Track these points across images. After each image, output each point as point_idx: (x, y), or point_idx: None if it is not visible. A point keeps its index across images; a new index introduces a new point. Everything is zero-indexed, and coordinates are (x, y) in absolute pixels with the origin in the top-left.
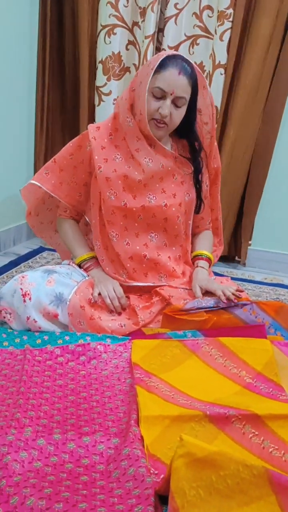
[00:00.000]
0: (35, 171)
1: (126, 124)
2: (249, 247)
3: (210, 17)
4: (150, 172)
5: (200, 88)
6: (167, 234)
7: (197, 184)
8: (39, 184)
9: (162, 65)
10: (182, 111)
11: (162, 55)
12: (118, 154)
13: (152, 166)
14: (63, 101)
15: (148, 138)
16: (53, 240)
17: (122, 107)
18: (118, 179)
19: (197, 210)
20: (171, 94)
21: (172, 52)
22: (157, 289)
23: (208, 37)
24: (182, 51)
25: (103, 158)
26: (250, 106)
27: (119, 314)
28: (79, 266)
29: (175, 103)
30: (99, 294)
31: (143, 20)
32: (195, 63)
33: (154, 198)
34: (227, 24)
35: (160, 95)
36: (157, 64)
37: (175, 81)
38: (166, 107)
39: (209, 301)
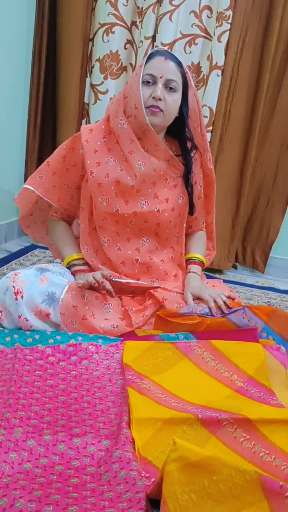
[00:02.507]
0: (27, 169)
1: (120, 127)
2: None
3: (210, 17)
4: (142, 176)
5: (191, 95)
6: (159, 238)
7: (188, 187)
8: (32, 189)
9: (149, 58)
10: (176, 97)
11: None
12: (111, 158)
13: (144, 170)
14: (56, 99)
15: (142, 140)
16: (46, 241)
17: (115, 111)
18: (111, 185)
19: (190, 212)
20: (160, 78)
21: (159, 47)
22: (151, 291)
23: (206, 38)
24: (177, 49)
25: (96, 162)
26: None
27: (111, 295)
28: (68, 267)
29: (167, 86)
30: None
31: (141, 20)
32: (192, 63)
33: (147, 203)
34: (226, 26)
35: (151, 81)
36: (146, 58)
37: (162, 65)
38: (158, 89)
39: (204, 309)
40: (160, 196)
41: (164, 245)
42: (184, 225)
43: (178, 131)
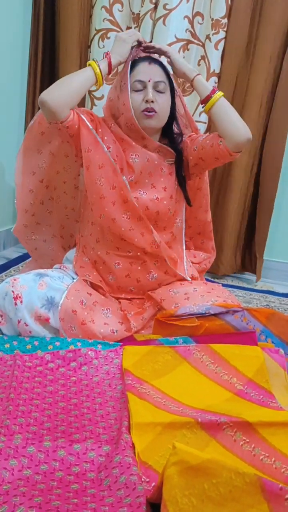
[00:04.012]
0: None
1: (112, 126)
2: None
3: (201, 24)
4: (139, 168)
5: (178, 94)
6: (157, 227)
7: (180, 175)
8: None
9: (133, 65)
10: (167, 97)
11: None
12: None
13: (138, 162)
14: None
15: (135, 136)
16: (41, 250)
17: (106, 115)
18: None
19: (188, 201)
20: (149, 81)
21: (140, 54)
22: (149, 292)
23: (197, 44)
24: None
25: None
26: (254, 116)
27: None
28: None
29: (156, 88)
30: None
31: (137, 26)
32: None
33: (145, 193)
34: (222, 34)
35: (141, 86)
36: (129, 66)
37: (148, 69)
38: (149, 92)
39: (200, 308)
40: (158, 186)
41: (161, 232)
42: (183, 210)
43: (167, 130)
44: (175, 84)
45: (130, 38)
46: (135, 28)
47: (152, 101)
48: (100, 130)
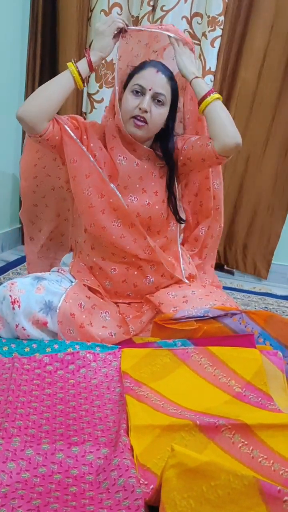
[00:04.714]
0: None
1: (105, 121)
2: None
3: (200, 24)
4: (125, 172)
5: (182, 92)
6: (150, 232)
7: (171, 184)
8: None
9: (141, 67)
10: (163, 111)
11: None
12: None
13: (125, 165)
14: None
15: (124, 139)
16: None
17: (109, 107)
18: (107, 174)
19: (174, 211)
20: (149, 90)
21: (153, 58)
22: (147, 296)
23: (196, 44)
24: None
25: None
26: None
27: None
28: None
29: (155, 98)
30: None
31: None
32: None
33: (136, 199)
34: (219, 31)
35: (140, 91)
36: (139, 65)
37: (153, 77)
38: (146, 101)
39: (199, 310)
40: (149, 190)
41: (155, 237)
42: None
43: (163, 139)
44: (181, 97)
45: (109, 28)
46: None
47: (146, 111)
48: (85, 137)
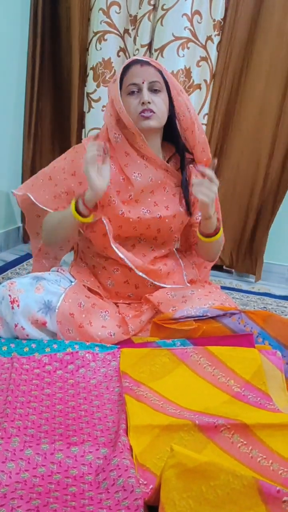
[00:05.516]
0: (23, 178)
1: (114, 140)
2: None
3: (200, 23)
4: (140, 187)
5: (175, 94)
6: (156, 242)
7: (186, 197)
8: (30, 195)
9: (126, 68)
10: (163, 96)
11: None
12: (112, 165)
13: (141, 180)
14: (52, 107)
15: (139, 151)
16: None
17: (109, 123)
18: (114, 191)
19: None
20: (143, 83)
21: (131, 58)
22: (147, 295)
23: (196, 43)
24: (170, 53)
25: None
26: (258, 118)
27: (106, 151)
28: (78, 210)
29: (152, 88)
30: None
31: (134, 28)
32: (185, 66)
33: (148, 211)
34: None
35: (136, 89)
36: (121, 70)
37: (141, 71)
38: (145, 93)
39: (198, 310)
40: (160, 204)
41: (160, 248)
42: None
43: (172, 134)
44: (176, 86)
45: (90, 170)
46: (132, 30)
47: (149, 102)
48: None
